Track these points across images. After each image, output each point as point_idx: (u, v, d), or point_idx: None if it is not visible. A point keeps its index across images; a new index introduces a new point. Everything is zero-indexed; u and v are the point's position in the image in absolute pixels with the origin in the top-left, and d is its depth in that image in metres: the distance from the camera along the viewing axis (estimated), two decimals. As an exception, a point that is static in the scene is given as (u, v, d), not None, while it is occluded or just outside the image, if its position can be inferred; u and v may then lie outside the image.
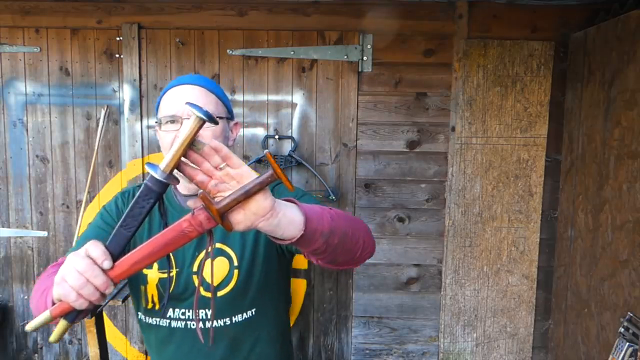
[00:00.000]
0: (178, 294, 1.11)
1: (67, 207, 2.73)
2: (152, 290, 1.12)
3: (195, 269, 1.10)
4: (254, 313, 1.13)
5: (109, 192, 2.70)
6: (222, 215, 0.73)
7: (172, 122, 1.08)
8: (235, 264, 1.10)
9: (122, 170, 2.68)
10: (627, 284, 2.03)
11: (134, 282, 1.15)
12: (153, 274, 1.11)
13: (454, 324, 2.74)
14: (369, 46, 2.58)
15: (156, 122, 1.13)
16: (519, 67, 2.55)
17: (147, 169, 0.79)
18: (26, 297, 2.81)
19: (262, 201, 0.74)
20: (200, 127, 0.73)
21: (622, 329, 1.96)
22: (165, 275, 1.11)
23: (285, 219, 0.78)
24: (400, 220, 2.71)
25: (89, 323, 2.31)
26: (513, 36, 2.56)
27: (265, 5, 2.57)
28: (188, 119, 1.03)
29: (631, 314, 1.95)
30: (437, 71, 2.61)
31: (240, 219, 0.75)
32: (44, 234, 2.74)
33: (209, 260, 1.01)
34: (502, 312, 2.72)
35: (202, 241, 1.11)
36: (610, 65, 2.19)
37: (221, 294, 1.09)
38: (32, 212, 2.74)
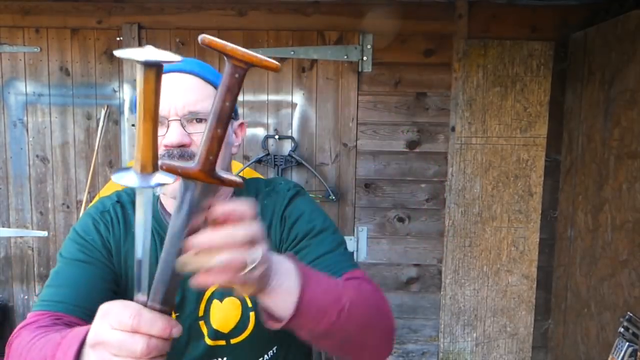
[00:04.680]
0: (181, 346, 0.90)
1: (67, 207, 2.74)
2: None
3: (201, 313, 0.90)
4: (275, 351, 0.95)
5: (108, 192, 2.69)
6: (213, 172, 0.51)
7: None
8: (250, 305, 0.90)
9: (122, 170, 2.68)
10: (626, 283, 2.04)
11: None
12: None
13: (453, 323, 2.74)
14: (369, 46, 2.58)
15: (134, 126, 0.87)
16: (518, 67, 2.55)
17: None
18: (26, 297, 2.81)
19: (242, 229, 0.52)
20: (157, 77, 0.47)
21: (621, 329, 1.96)
22: None
23: (278, 279, 0.58)
24: (400, 220, 2.71)
25: (89, 323, 2.31)
26: (513, 36, 2.55)
27: (265, 5, 2.57)
28: (177, 119, 0.83)
29: (631, 314, 1.95)
30: (437, 71, 2.61)
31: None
32: (44, 234, 2.74)
33: (216, 302, 0.88)
34: (501, 312, 2.72)
35: None
36: (610, 65, 2.20)
37: (235, 342, 0.91)
38: (33, 212, 2.74)
